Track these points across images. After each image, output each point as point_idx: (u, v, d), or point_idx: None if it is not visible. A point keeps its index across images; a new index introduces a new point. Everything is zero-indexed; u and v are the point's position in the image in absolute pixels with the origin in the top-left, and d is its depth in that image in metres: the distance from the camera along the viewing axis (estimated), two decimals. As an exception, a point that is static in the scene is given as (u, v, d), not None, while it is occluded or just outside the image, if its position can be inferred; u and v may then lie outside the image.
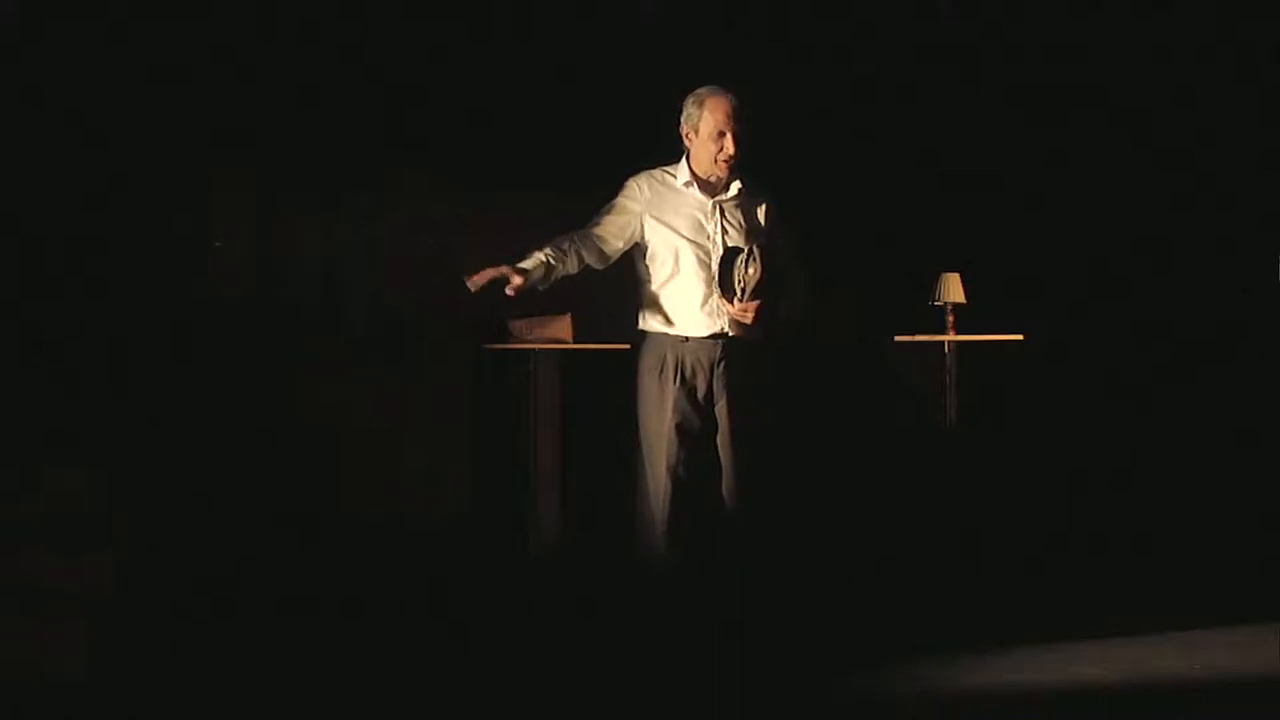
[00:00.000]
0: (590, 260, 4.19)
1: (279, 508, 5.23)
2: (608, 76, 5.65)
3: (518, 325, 5.45)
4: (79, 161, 5.09)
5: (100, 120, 5.12)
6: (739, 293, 4.08)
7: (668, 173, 4.28)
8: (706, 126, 4.19)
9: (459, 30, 5.55)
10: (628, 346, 4.89)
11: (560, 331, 5.45)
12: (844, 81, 5.96)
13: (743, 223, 4.25)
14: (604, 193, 4.48)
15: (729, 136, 4.16)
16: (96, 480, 4.39)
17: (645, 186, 4.25)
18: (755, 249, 4.08)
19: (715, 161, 4.19)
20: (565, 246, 4.14)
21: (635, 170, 4.38)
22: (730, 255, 4.13)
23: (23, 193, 5.03)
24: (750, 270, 4.06)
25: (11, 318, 4.94)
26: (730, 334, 4.17)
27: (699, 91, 4.24)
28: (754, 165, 4.31)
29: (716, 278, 4.13)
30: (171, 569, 4.74)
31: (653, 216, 4.22)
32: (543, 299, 5.47)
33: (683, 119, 4.26)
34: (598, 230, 4.21)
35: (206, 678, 4.14)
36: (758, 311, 4.09)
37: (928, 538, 5.70)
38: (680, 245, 4.19)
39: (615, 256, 4.25)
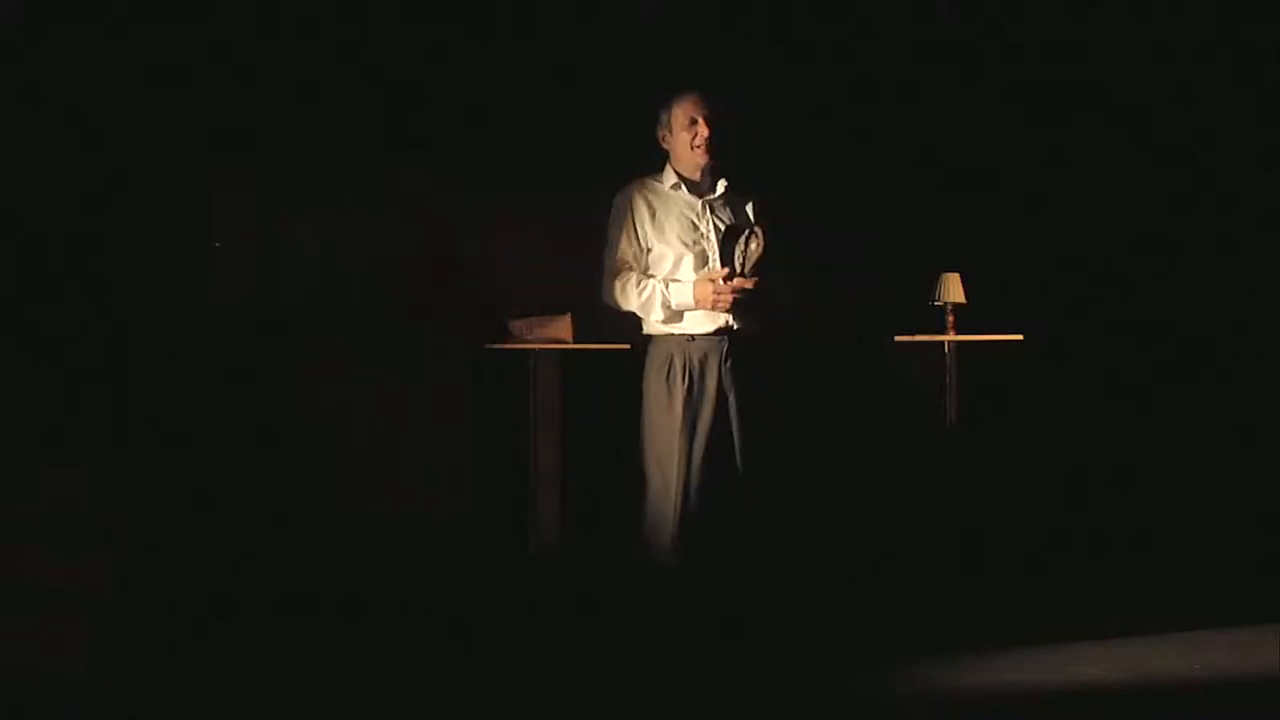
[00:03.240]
0: None
1: (279, 508, 5.23)
2: (608, 76, 5.66)
3: (518, 325, 5.45)
4: (79, 161, 5.09)
5: (100, 120, 5.12)
6: (740, 268, 4.14)
7: (654, 179, 4.35)
8: (678, 120, 4.30)
9: (459, 30, 5.55)
10: (628, 346, 4.89)
11: (560, 331, 5.45)
12: (844, 81, 5.96)
13: (733, 219, 4.30)
14: (604, 193, 4.49)
15: (700, 122, 4.25)
16: (96, 480, 4.39)
17: (635, 196, 4.33)
18: (758, 229, 4.15)
19: (692, 148, 4.26)
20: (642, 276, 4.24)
21: (634, 171, 4.41)
22: (731, 232, 4.20)
23: (23, 193, 5.03)
24: (753, 245, 4.14)
25: (11, 318, 4.94)
26: (735, 328, 4.20)
27: (665, 96, 4.34)
28: (756, 165, 4.33)
29: (717, 255, 4.18)
30: (171, 569, 4.74)
31: (650, 223, 4.27)
32: (543, 299, 5.50)
33: (657, 126, 4.36)
34: (635, 267, 4.25)
35: (206, 678, 4.14)
36: (756, 286, 4.14)
37: (928, 538, 5.70)
38: (677, 246, 4.24)
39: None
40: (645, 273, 4.28)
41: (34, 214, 5.04)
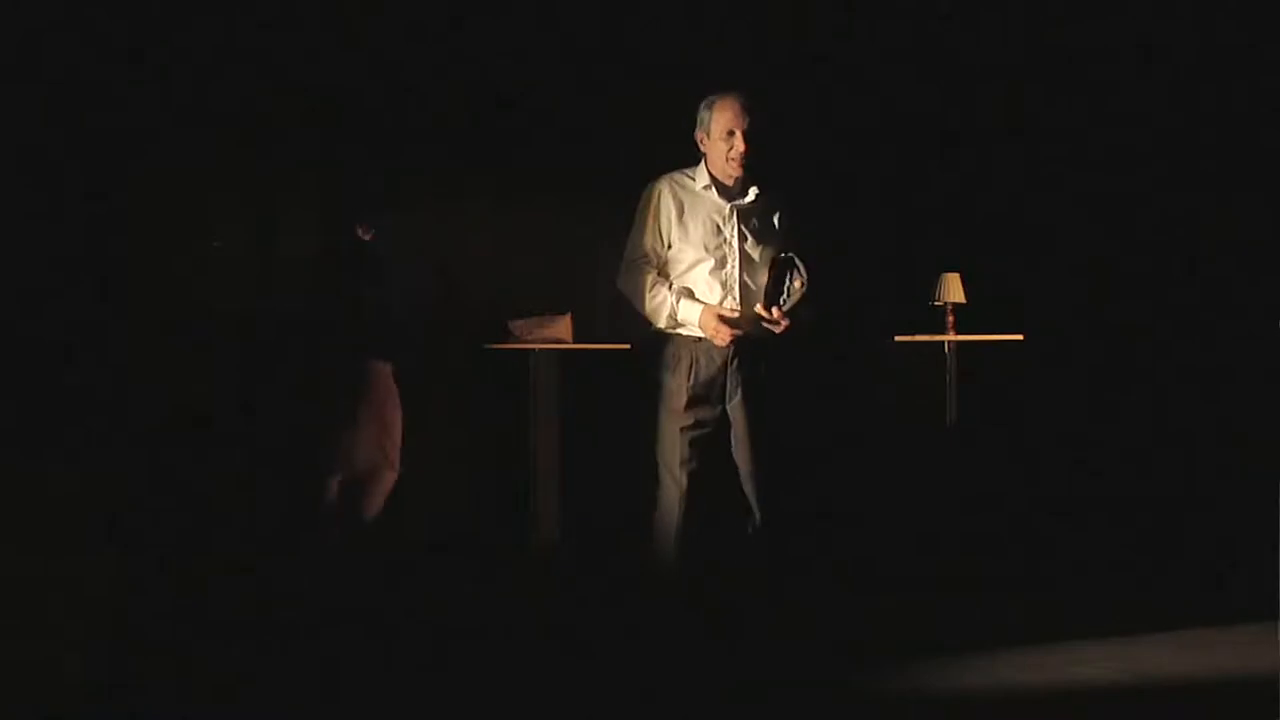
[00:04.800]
0: None
1: (279, 507, 5.23)
2: (611, 79, 5.66)
3: (518, 325, 5.46)
4: (79, 161, 5.09)
5: (100, 119, 5.12)
6: (783, 301, 4.13)
7: (687, 175, 4.31)
8: (717, 127, 4.23)
9: (462, 31, 5.55)
10: (627, 346, 4.90)
11: (560, 331, 5.46)
12: (845, 82, 5.96)
13: (759, 227, 4.27)
14: (605, 197, 4.48)
15: (738, 135, 4.20)
16: (96, 480, 4.39)
17: (667, 190, 4.27)
18: (799, 261, 4.14)
19: (727, 160, 4.22)
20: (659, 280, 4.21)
21: (636, 171, 4.39)
22: (783, 265, 4.17)
23: (23, 193, 5.03)
24: (798, 284, 4.13)
25: (12, 318, 4.94)
26: (742, 332, 4.19)
27: (709, 97, 4.28)
28: (758, 165, 4.32)
29: (738, 261, 4.16)
30: (171, 569, 4.74)
31: (676, 219, 4.24)
32: (543, 299, 5.51)
33: (696, 126, 4.30)
34: (651, 260, 4.24)
35: (206, 678, 4.14)
36: (790, 323, 4.14)
37: (928, 537, 5.70)
38: (698, 248, 4.22)
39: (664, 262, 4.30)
40: (662, 269, 4.25)
41: (34, 214, 5.04)
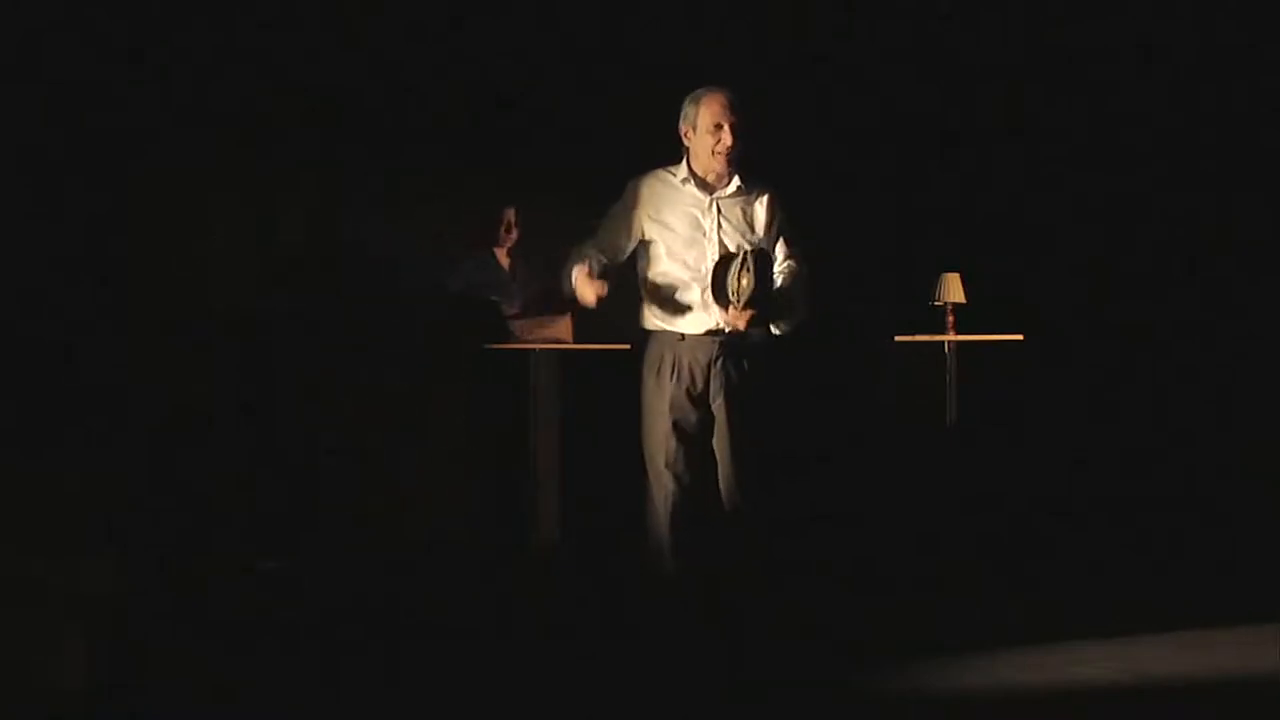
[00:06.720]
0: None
1: (279, 508, 5.23)
2: (611, 79, 5.66)
3: (518, 325, 5.45)
4: (79, 161, 5.09)
5: (100, 119, 5.12)
6: (734, 300, 4.07)
7: (668, 171, 4.29)
8: (704, 121, 4.20)
9: (462, 31, 5.55)
10: (628, 346, 4.89)
11: (560, 331, 5.45)
12: (845, 82, 5.96)
13: (741, 219, 4.25)
14: (606, 197, 4.48)
15: (726, 128, 4.17)
16: (96, 480, 4.39)
17: (643, 186, 4.26)
18: (749, 256, 4.06)
19: (713, 154, 4.20)
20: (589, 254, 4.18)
21: (638, 171, 4.39)
22: (724, 262, 4.12)
23: (23, 193, 5.03)
24: (744, 281, 4.04)
25: (12, 318, 4.95)
26: (727, 330, 4.18)
27: (695, 91, 4.26)
28: (756, 165, 4.32)
29: (710, 283, 4.12)
30: (171, 569, 4.74)
31: (650, 215, 4.23)
32: (542, 300, 5.50)
33: (681, 119, 4.28)
34: (597, 244, 4.22)
35: (206, 678, 4.14)
36: (751, 319, 4.09)
37: (928, 537, 5.70)
38: (676, 242, 4.21)
39: (624, 256, 4.27)
40: (616, 259, 4.24)
41: (34, 214, 5.04)
